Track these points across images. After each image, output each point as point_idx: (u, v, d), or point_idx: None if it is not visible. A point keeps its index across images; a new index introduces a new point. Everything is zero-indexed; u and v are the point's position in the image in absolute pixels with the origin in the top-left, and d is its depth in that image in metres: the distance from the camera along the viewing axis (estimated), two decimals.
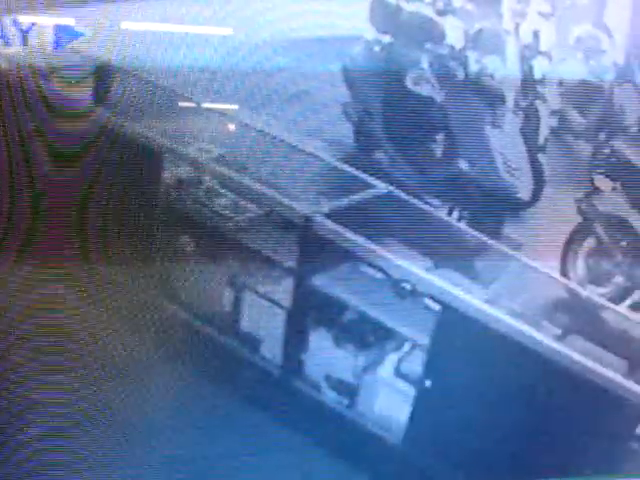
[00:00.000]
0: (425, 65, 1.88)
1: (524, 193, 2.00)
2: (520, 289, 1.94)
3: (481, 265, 1.92)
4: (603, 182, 2.04)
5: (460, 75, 1.90)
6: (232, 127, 1.72)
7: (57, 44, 1.53)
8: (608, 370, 1.82)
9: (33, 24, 1.52)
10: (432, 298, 1.80)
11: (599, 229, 2.07)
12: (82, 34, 1.53)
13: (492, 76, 1.92)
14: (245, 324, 1.76)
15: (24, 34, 1.52)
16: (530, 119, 1.98)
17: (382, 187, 1.85)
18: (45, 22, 1.53)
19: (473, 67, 1.91)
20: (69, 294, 1.52)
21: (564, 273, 2.06)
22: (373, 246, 1.78)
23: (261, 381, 1.77)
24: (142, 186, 1.61)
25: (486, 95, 1.92)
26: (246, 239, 1.71)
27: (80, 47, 1.53)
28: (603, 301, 2.03)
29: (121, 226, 1.57)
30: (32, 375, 1.51)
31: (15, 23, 1.52)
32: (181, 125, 1.65)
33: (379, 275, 1.81)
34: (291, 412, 1.75)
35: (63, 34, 1.52)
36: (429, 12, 1.88)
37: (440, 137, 1.92)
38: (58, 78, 1.53)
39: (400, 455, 1.82)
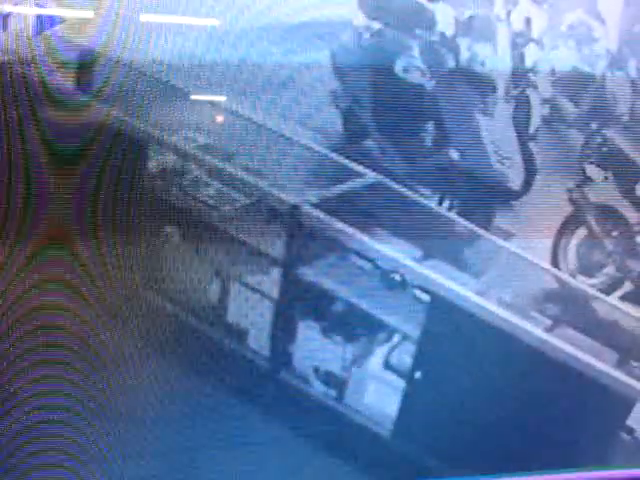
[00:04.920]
0: (415, 52, 1.86)
1: (515, 182, 1.98)
2: (510, 279, 1.93)
3: (471, 255, 1.91)
4: (595, 171, 2.03)
5: (451, 63, 1.88)
6: (218, 116, 1.70)
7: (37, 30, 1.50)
8: (598, 361, 1.82)
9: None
10: (421, 289, 1.79)
11: (590, 219, 2.06)
12: (63, 19, 1.50)
13: (483, 64, 1.90)
14: (231, 315, 1.75)
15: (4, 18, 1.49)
16: (521, 107, 1.96)
17: (371, 176, 1.83)
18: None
19: (464, 55, 1.89)
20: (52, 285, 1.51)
21: (555, 263, 2.05)
22: (362, 236, 1.76)
23: (247, 373, 1.75)
24: (128, 175, 1.59)
25: (477, 83, 1.90)
26: (232, 229, 1.69)
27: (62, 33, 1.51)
28: (594, 292, 2.02)
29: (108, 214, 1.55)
30: None
31: None
32: (166, 113, 1.63)
33: (368, 265, 1.79)
34: (278, 404, 1.74)
35: (44, 19, 1.49)
36: None
37: (430, 125, 1.90)
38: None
39: (389, 448, 1.82)
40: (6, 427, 1.51)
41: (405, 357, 1.82)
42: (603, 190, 2.04)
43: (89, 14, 1.53)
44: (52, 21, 1.52)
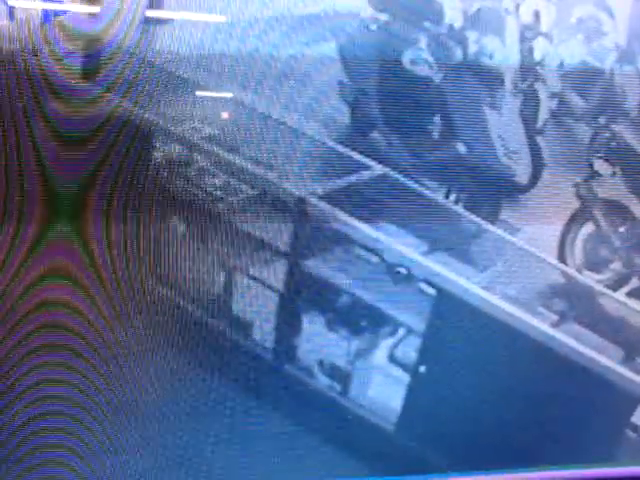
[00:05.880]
0: (423, 45, 1.85)
1: (522, 177, 1.97)
2: (516, 274, 1.93)
3: (477, 249, 1.91)
4: (603, 166, 2.02)
5: (459, 55, 1.87)
6: (225, 107, 1.69)
7: (45, 19, 1.50)
8: (604, 357, 1.82)
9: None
10: (427, 282, 1.79)
11: (598, 214, 2.05)
12: (69, 10, 1.50)
13: (491, 57, 1.89)
14: (236, 307, 1.74)
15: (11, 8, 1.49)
16: (529, 101, 1.95)
17: (378, 169, 1.82)
18: None
19: (472, 47, 1.88)
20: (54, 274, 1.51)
21: (562, 258, 2.04)
22: (368, 229, 1.76)
23: (252, 366, 1.75)
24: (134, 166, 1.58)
25: (485, 76, 1.89)
26: (238, 220, 1.68)
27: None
28: (600, 287, 2.01)
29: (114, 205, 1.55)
30: None
31: None
32: (173, 105, 1.62)
33: (374, 259, 1.79)
34: (281, 397, 1.74)
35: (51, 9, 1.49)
36: None
37: (437, 118, 1.89)
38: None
39: (394, 441, 1.81)
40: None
41: (410, 351, 1.82)
42: (611, 185, 2.03)
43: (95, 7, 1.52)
44: (59, 11, 1.51)
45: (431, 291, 1.80)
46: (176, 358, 1.62)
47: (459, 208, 1.90)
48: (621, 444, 1.90)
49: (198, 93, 1.64)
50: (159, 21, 1.56)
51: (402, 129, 1.85)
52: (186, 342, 1.65)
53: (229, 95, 1.69)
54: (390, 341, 1.84)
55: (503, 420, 1.80)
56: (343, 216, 1.75)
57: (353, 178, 1.79)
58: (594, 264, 2.08)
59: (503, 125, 1.93)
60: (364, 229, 1.76)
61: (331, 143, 1.79)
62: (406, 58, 1.82)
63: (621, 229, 2.07)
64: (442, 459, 1.80)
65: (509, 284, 1.89)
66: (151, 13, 1.56)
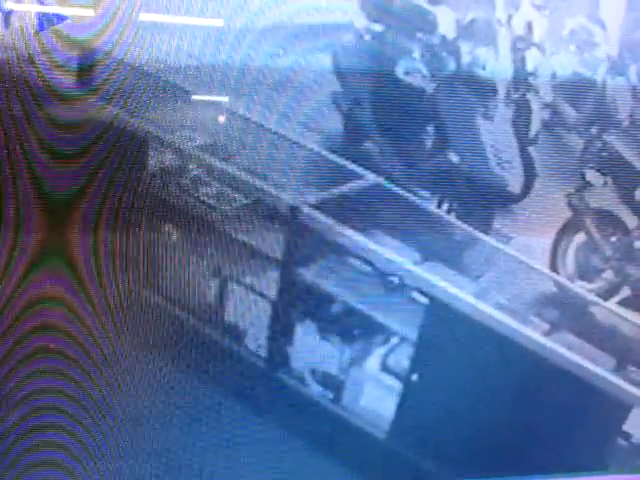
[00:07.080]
0: (416, 55, 1.86)
1: (515, 186, 1.98)
2: (509, 283, 1.94)
3: (470, 258, 1.91)
4: (594, 176, 2.03)
5: (452, 66, 1.88)
6: (218, 116, 1.70)
7: (40, 27, 1.50)
8: (596, 366, 1.82)
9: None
10: (420, 291, 1.79)
11: (589, 224, 2.06)
12: (66, 17, 1.50)
13: (484, 67, 1.90)
14: (229, 316, 1.75)
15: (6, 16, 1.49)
16: (522, 112, 1.97)
17: (371, 178, 1.83)
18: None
19: (465, 58, 1.89)
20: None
21: (553, 268, 2.05)
22: (360, 238, 1.77)
23: (245, 374, 1.75)
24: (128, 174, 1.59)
25: (478, 86, 1.90)
26: (230, 229, 1.69)
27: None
28: (592, 297, 2.02)
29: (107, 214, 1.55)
30: None
31: None
32: (165, 113, 1.63)
33: (366, 268, 1.79)
34: (274, 405, 1.74)
35: (47, 17, 1.50)
36: (421, 1, 1.86)
37: (430, 128, 1.90)
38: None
39: (386, 450, 1.82)
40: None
41: (403, 359, 1.82)
42: (602, 195, 2.04)
43: (90, 12, 1.53)
44: (55, 19, 1.52)
45: (423, 300, 1.80)
46: (167, 364, 1.62)
47: (452, 217, 1.91)
48: (612, 452, 1.90)
49: (190, 99, 1.64)
50: None
51: (395, 139, 1.85)
52: (180, 348, 1.65)
53: (221, 104, 1.69)
54: (382, 350, 1.85)
55: (495, 429, 1.81)
56: (336, 225, 1.75)
57: (346, 187, 1.80)
58: (586, 273, 2.08)
59: (496, 135, 1.94)
60: (357, 238, 1.77)
61: (324, 152, 1.80)
62: (399, 68, 1.83)
63: (613, 239, 2.08)
64: (434, 468, 1.80)
65: (501, 293, 1.89)
66: None
